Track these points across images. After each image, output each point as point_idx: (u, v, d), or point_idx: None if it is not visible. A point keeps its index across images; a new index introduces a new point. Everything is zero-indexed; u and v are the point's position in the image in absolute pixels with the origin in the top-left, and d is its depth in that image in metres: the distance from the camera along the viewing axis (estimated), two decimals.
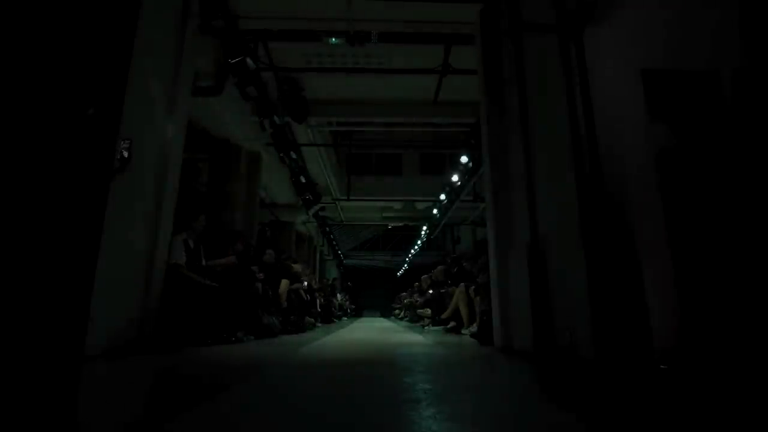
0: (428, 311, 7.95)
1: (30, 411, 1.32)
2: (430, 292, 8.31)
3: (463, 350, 3.57)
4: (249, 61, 4.74)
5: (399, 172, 12.42)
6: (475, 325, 5.21)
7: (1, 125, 2.15)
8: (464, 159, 7.73)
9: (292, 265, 6.73)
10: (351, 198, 10.23)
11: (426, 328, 7.39)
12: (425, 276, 10.13)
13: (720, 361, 1.97)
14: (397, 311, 14.02)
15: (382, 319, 15.46)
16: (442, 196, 9.92)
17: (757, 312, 1.95)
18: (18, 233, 2.15)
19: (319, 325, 7.87)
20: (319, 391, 1.74)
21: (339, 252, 18.59)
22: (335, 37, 4.97)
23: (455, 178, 8.70)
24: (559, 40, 2.74)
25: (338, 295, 13.27)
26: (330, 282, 13.79)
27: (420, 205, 12.55)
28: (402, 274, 21.01)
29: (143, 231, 3.18)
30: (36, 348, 2.09)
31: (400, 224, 15.34)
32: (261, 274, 5.03)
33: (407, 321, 10.70)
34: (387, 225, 15.95)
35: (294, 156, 7.40)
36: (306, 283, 7.63)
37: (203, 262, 4.13)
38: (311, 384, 1.92)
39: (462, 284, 5.88)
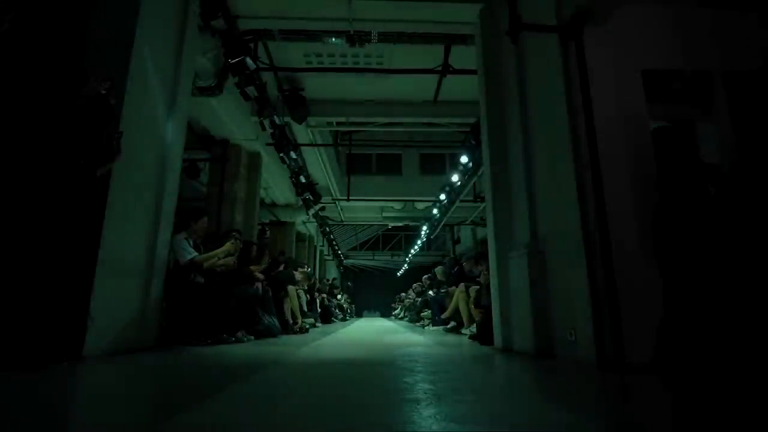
0: (428, 311, 7.94)
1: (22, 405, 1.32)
2: (430, 292, 8.30)
3: (463, 350, 3.56)
4: (249, 61, 4.72)
5: (399, 172, 12.39)
6: (475, 325, 5.20)
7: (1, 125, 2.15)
8: (464, 159, 7.70)
9: (294, 272, 6.66)
10: (351, 198, 10.20)
11: (426, 328, 7.39)
12: (425, 276, 10.12)
13: (711, 362, 1.97)
14: (397, 311, 14.01)
15: (382, 319, 15.46)
16: (442, 196, 9.88)
17: (752, 314, 1.95)
18: (18, 233, 2.15)
19: (319, 325, 7.86)
20: (320, 390, 1.74)
21: (339, 252, 18.55)
22: (335, 37, 4.96)
23: (455, 178, 8.67)
24: (560, 40, 2.74)
25: (338, 296, 13.25)
26: (330, 282, 13.78)
27: (420, 205, 12.53)
28: (402, 274, 20.96)
29: (143, 231, 3.18)
30: (34, 346, 2.09)
31: (400, 224, 15.31)
32: (261, 276, 5.03)
33: (407, 321, 10.70)
34: (387, 225, 15.92)
35: (294, 156, 7.39)
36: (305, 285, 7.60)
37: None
38: (311, 384, 1.92)
39: (462, 284, 5.87)
